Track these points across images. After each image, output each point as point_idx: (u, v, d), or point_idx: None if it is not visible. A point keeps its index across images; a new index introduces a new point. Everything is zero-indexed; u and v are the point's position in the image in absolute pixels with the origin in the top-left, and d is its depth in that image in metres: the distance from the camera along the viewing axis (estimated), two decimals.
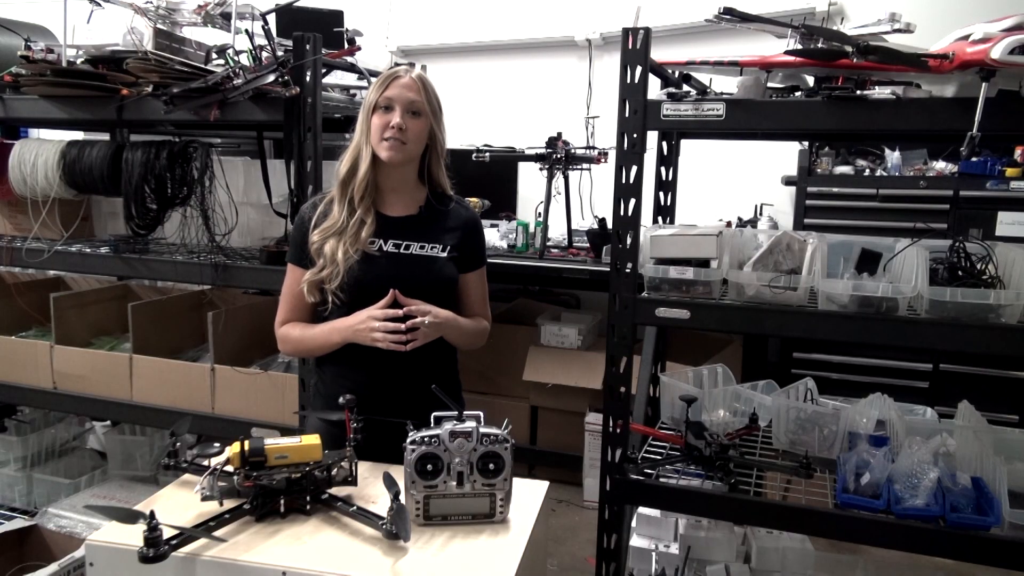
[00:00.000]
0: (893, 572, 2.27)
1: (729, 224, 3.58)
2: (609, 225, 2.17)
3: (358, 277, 1.62)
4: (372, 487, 1.41)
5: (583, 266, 3.32)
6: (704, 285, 1.81)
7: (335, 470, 1.37)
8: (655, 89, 1.90)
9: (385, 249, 1.67)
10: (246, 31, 2.15)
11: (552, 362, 3.55)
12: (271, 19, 2.17)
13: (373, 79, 2.25)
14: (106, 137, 3.01)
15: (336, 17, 2.64)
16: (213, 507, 1.29)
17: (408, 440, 1.28)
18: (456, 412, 1.33)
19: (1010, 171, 3.13)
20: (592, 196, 3.65)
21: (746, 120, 1.70)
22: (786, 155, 3.63)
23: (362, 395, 1.47)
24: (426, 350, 1.66)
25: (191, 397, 2.43)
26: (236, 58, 2.07)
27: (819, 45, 1.65)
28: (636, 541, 2.26)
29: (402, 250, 1.68)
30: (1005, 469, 1.63)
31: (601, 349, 3.05)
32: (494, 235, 3.66)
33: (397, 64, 1.77)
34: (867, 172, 3.50)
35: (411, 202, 1.73)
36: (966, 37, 1.55)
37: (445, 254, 1.70)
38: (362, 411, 1.43)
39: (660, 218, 2.44)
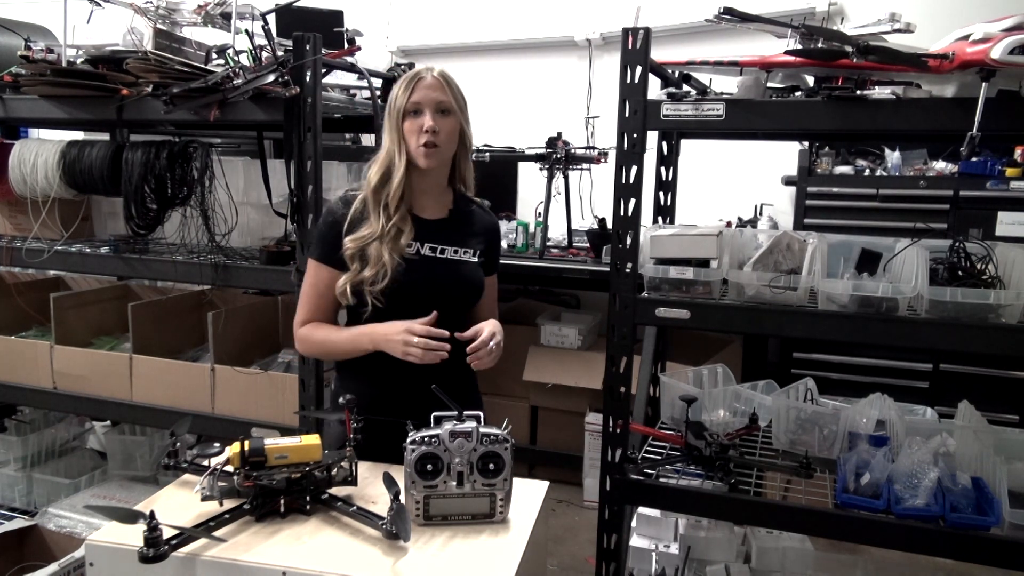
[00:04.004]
0: (893, 572, 2.27)
1: (729, 224, 3.58)
2: (609, 225, 2.17)
3: (399, 280, 1.58)
4: (372, 487, 1.41)
5: (583, 266, 3.32)
6: (704, 285, 1.81)
7: (335, 470, 1.37)
8: (655, 89, 1.90)
9: (422, 252, 1.65)
10: (246, 31, 2.15)
11: (552, 362, 3.55)
12: (271, 19, 2.16)
13: (373, 79, 2.26)
14: (106, 137, 3.01)
15: (336, 17, 2.64)
16: (213, 507, 1.30)
17: (408, 440, 1.28)
18: (456, 412, 1.33)
19: (1010, 171, 3.14)
20: (592, 196, 3.65)
21: (746, 120, 1.70)
22: (786, 155, 3.63)
23: (387, 401, 1.46)
24: (454, 357, 1.63)
25: (191, 397, 2.43)
26: (236, 58, 2.07)
27: (819, 45, 1.65)
28: (636, 541, 2.26)
29: (438, 254, 1.66)
30: (1005, 469, 1.63)
31: (601, 349, 3.04)
32: None
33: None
34: (867, 172, 3.50)
35: (442, 204, 1.72)
36: (966, 37, 1.55)
37: (475, 259, 1.69)
38: (387, 416, 1.42)
39: (660, 218, 2.44)
